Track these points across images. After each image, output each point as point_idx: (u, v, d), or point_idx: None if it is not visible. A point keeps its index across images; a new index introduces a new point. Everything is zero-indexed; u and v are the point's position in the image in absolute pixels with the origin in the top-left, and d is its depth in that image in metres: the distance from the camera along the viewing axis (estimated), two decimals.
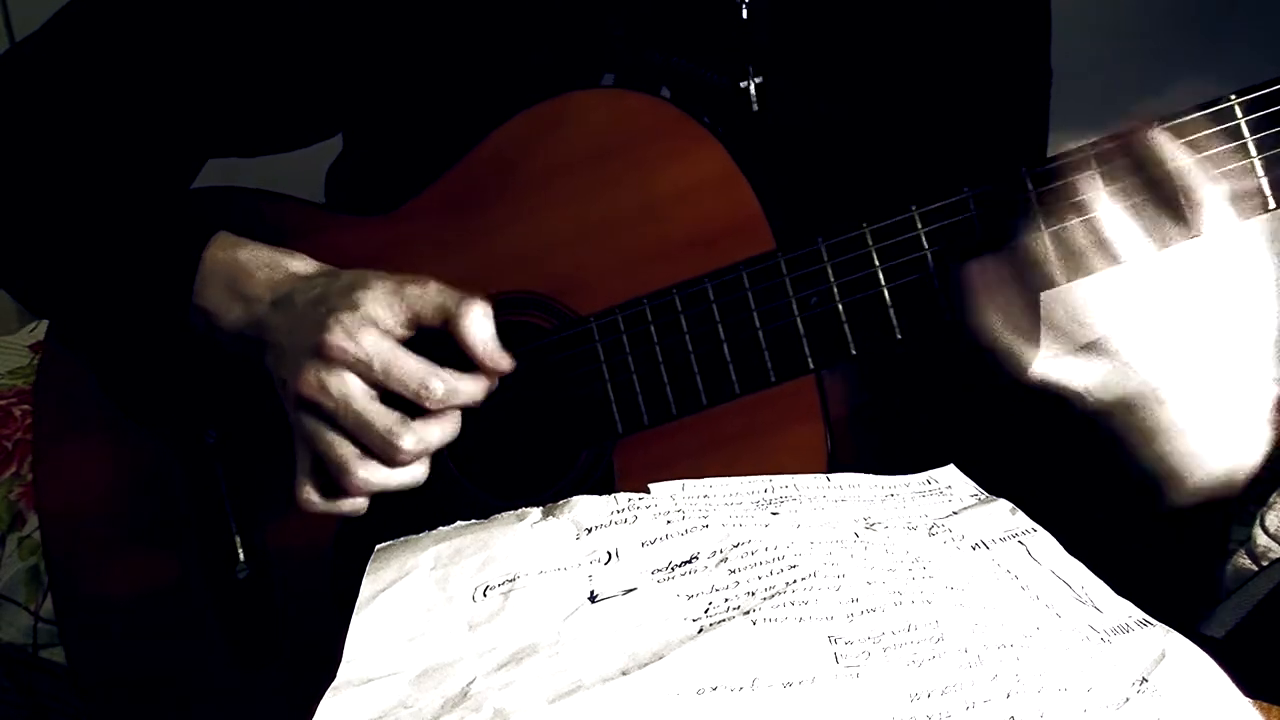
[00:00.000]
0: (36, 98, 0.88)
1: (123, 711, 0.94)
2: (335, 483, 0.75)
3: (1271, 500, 1.36)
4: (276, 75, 0.88)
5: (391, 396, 0.74)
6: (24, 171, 0.87)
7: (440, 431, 0.75)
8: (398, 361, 0.73)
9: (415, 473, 0.75)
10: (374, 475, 0.74)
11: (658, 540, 0.58)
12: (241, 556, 0.89)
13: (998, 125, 0.92)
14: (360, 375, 0.73)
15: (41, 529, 0.96)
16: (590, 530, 0.60)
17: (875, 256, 0.73)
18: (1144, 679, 0.48)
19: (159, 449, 0.91)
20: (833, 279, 0.74)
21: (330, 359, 0.73)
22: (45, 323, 1.94)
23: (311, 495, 0.76)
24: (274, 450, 0.83)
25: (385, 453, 0.73)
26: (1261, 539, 1.33)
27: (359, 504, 0.76)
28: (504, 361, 0.75)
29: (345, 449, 0.74)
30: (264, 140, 0.94)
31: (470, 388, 0.75)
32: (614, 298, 0.79)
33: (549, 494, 0.81)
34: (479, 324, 0.74)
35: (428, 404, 0.73)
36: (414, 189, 0.85)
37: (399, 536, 0.63)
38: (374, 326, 0.73)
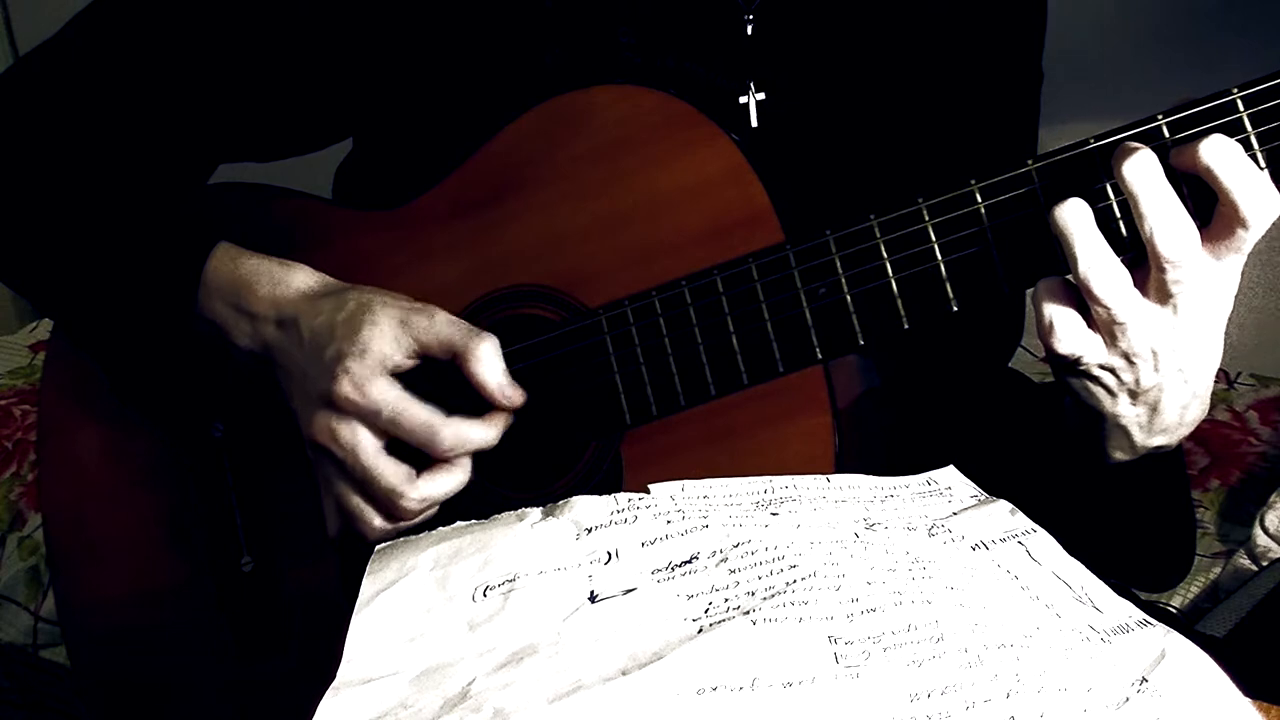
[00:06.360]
0: (48, 103, 0.88)
1: (125, 707, 0.94)
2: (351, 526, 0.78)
3: (1271, 500, 1.36)
4: (288, 80, 0.88)
5: (403, 444, 0.75)
6: (34, 174, 0.87)
7: (449, 482, 0.76)
8: (406, 412, 0.74)
9: (422, 519, 0.77)
10: (386, 526, 0.76)
11: (658, 540, 0.58)
12: (246, 549, 0.89)
13: (991, 125, 0.92)
14: (368, 425, 0.74)
15: (44, 523, 0.96)
16: (590, 530, 0.60)
17: (883, 249, 0.73)
18: (1144, 679, 0.48)
19: (164, 444, 0.92)
20: (841, 270, 0.74)
21: (340, 409, 0.74)
22: (45, 323, 1.95)
23: (336, 530, 0.79)
24: (280, 444, 0.83)
25: (388, 508, 0.75)
26: (1261, 539, 1.33)
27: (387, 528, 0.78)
28: (517, 397, 0.76)
29: (355, 500, 0.76)
30: (276, 144, 0.94)
31: (481, 434, 0.75)
32: (623, 290, 0.79)
33: (557, 485, 0.82)
34: (489, 362, 0.75)
35: (436, 455, 0.74)
36: (424, 187, 0.85)
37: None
38: (382, 374, 0.74)
